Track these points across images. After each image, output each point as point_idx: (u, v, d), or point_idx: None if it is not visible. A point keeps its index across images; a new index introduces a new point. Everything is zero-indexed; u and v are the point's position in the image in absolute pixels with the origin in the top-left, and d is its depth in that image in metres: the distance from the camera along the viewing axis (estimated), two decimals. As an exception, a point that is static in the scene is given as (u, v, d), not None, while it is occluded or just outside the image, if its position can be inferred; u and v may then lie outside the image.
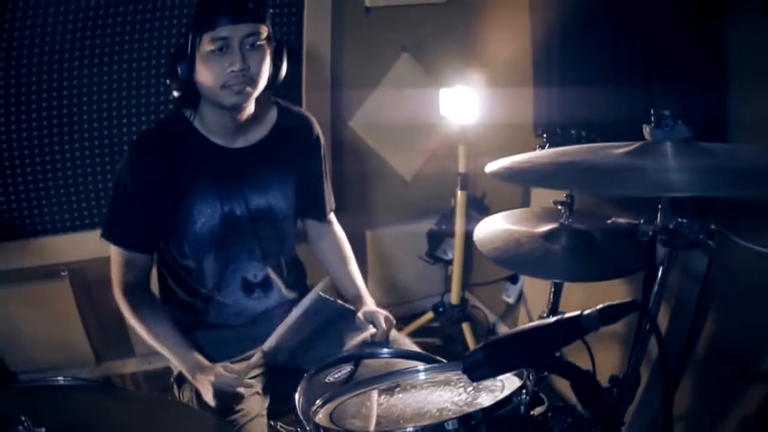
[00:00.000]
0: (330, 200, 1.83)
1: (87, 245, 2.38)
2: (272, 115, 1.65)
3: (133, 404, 1.30)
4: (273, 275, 1.69)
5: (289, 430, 1.73)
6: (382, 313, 1.62)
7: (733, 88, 1.70)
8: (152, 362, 2.56)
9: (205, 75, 1.45)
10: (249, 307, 1.68)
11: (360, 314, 1.64)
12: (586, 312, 0.91)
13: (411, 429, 1.02)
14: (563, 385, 1.39)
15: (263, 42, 1.46)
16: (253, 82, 1.47)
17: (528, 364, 0.96)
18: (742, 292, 1.72)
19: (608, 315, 0.88)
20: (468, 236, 2.61)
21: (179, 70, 1.46)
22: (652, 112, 1.21)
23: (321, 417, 1.16)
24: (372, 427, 1.13)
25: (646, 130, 1.23)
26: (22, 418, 0.99)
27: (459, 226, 2.56)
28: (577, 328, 0.90)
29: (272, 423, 1.56)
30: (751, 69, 1.66)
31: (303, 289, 1.77)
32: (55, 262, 2.43)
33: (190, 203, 1.55)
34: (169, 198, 1.54)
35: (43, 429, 1.00)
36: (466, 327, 2.62)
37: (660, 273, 1.34)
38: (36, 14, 2.13)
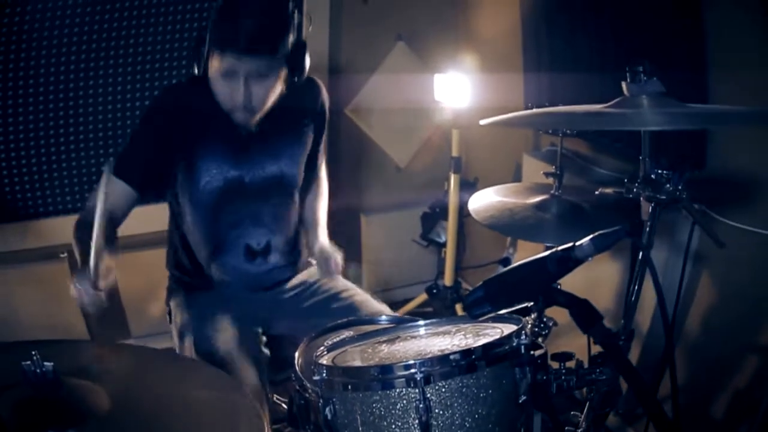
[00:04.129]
0: (322, 165, 1.84)
1: (87, 227, 2.41)
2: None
3: (142, 358, 1.33)
4: (275, 243, 1.70)
5: (283, 401, 1.76)
6: (330, 253, 1.65)
7: (712, 72, 1.77)
8: (148, 343, 2.57)
9: (214, 87, 1.47)
10: (249, 272, 1.69)
11: (317, 248, 1.67)
12: (579, 242, 0.96)
13: (412, 362, 1.05)
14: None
15: (273, 71, 1.45)
16: (257, 111, 1.49)
17: (528, 296, 1.01)
18: (725, 266, 1.79)
19: (601, 243, 0.93)
20: (461, 219, 2.67)
21: (195, 62, 1.48)
22: (627, 69, 1.29)
23: (325, 360, 1.20)
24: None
25: (624, 85, 1.30)
26: (33, 353, 1.00)
27: (452, 209, 2.61)
28: (572, 258, 0.95)
29: (267, 395, 1.58)
30: (729, 54, 1.74)
31: (298, 257, 1.80)
32: (54, 243, 2.46)
33: (197, 162, 1.57)
34: (177, 150, 1.56)
35: (52, 364, 1.00)
36: (459, 308, 2.66)
37: (647, 229, 1.41)
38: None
